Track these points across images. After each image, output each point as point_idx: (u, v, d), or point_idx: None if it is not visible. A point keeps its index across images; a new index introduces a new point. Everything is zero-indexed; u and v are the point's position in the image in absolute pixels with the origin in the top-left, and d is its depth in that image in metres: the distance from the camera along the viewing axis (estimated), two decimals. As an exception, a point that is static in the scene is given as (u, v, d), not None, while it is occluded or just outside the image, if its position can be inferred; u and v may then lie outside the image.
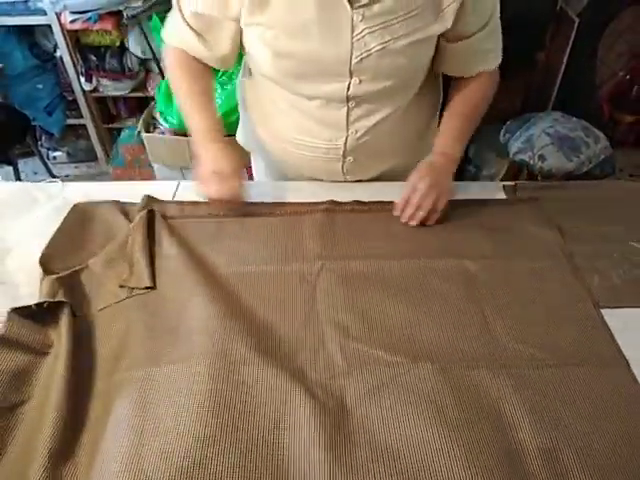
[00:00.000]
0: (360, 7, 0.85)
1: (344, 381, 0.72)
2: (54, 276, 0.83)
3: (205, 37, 0.97)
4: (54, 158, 2.73)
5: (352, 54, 0.89)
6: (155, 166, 2.30)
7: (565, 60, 2.01)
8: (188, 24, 0.95)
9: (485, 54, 1.01)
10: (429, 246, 0.94)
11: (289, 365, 0.74)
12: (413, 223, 0.97)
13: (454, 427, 0.66)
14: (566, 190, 1.11)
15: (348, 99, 0.96)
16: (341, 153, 1.05)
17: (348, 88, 0.94)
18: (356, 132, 1.02)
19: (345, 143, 1.03)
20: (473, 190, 1.10)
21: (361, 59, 0.90)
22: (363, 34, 0.87)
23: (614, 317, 0.82)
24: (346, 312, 0.81)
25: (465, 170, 2.14)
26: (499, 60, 1.04)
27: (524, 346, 0.77)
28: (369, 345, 0.76)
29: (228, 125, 2.11)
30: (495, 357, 0.75)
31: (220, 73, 2.01)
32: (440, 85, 1.14)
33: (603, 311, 0.84)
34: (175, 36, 1.00)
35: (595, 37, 2.10)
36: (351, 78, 0.92)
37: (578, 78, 2.13)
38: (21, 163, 2.47)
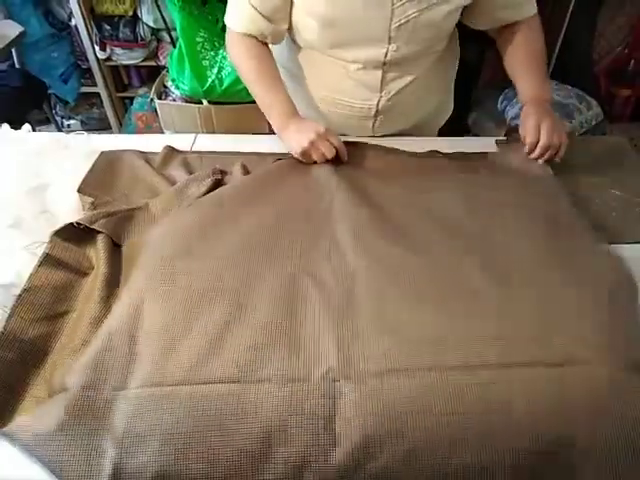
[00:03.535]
0: None
1: (354, 268, 0.82)
2: (97, 211, 0.93)
3: (269, 16, 1.04)
4: (68, 126, 2.81)
5: (392, 20, 0.98)
6: (167, 133, 2.38)
7: (563, 31, 2.06)
8: (253, 6, 1.02)
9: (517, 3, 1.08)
10: (431, 181, 1.02)
11: (306, 258, 0.84)
12: (541, 162, 1.04)
13: (438, 304, 0.76)
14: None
15: (384, 64, 1.06)
16: (373, 113, 1.15)
17: (386, 54, 1.04)
18: (389, 93, 1.12)
19: (378, 104, 1.13)
20: (468, 145, 1.18)
21: (399, 25, 0.99)
22: (403, 1, 0.97)
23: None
24: (358, 213, 0.91)
25: (464, 139, 2.21)
26: (534, 9, 1.11)
27: (514, 249, 0.86)
28: (378, 239, 0.86)
29: (236, 93, 2.21)
30: (494, 243, 0.85)
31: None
32: (457, 46, 1.23)
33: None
34: (241, 22, 1.07)
35: (594, 9, 2.15)
36: (389, 44, 1.02)
37: (576, 50, 2.18)
38: (37, 131, 2.55)
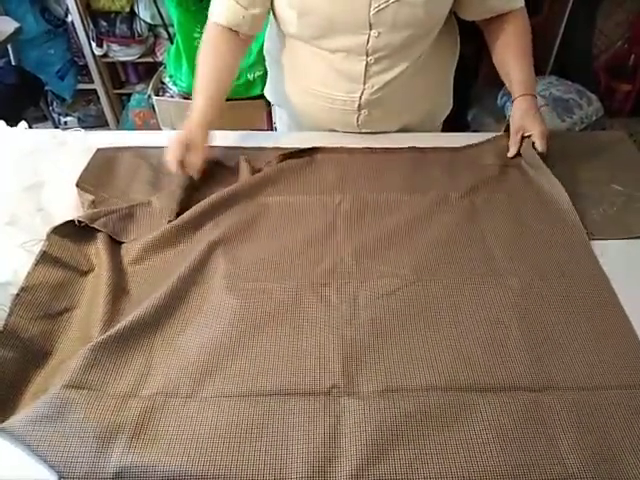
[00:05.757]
0: None
1: (357, 288, 0.83)
2: (97, 210, 0.93)
3: (242, 4, 1.02)
4: (65, 123, 2.79)
5: (370, 5, 0.95)
6: (164, 130, 2.37)
7: (563, 27, 2.05)
8: None
9: None
10: (436, 183, 1.04)
11: (310, 276, 0.85)
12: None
13: (447, 327, 0.78)
14: (555, 139, 1.19)
15: (367, 53, 1.03)
16: (356, 106, 1.11)
17: (367, 41, 1.00)
18: (372, 87, 1.08)
19: (360, 97, 1.10)
20: (468, 140, 1.18)
21: (378, 10, 0.96)
22: None
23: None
24: (362, 234, 0.91)
25: (464, 134, 2.21)
26: (522, 1, 1.09)
27: (518, 264, 0.87)
28: (381, 261, 0.87)
29: (233, 89, 2.19)
30: (492, 271, 0.85)
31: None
32: (457, 39, 1.19)
33: (583, 242, 0.93)
34: (216, 11, 1.06)
35: (594, 4, 2.14)
36: (370, 30, 0.99)
37: (575, 46, 2.17)
38: (33, 128, 2.54)
